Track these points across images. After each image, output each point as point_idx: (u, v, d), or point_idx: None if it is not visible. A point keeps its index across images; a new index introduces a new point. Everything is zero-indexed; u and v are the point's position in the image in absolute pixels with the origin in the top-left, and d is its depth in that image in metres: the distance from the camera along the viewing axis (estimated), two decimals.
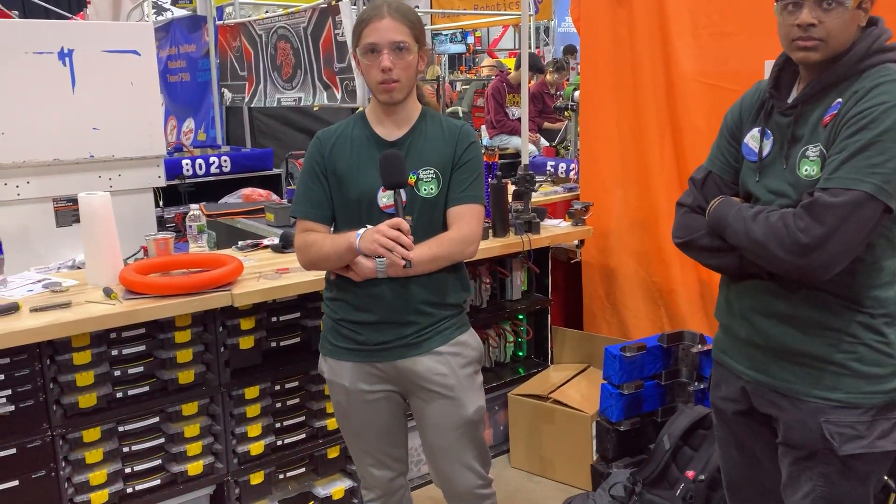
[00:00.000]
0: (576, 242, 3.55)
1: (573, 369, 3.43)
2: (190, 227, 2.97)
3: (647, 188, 3.40)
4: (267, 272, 2.58)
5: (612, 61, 3.49)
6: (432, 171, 1.94)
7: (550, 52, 10.44)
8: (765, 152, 1.67)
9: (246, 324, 2.56)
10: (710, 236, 1.70)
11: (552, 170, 4.70)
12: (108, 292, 2.35)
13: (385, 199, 1.92)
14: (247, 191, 4.26)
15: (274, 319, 2.65)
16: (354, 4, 3.99)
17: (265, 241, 3.05)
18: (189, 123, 6.53)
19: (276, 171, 5.02)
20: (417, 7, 8.86)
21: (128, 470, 2.44)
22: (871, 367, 1.58)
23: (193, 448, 2.52)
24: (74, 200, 2.90)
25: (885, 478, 2.03)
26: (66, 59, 3.05)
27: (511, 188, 3.27)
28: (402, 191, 1.86)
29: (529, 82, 5.51)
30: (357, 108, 4.17)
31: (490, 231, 3.11)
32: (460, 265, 2.04)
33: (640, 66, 3.35)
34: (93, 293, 2.39)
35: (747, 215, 1.60)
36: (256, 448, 2.62)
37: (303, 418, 2.76)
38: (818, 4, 1.53)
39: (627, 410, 2.89)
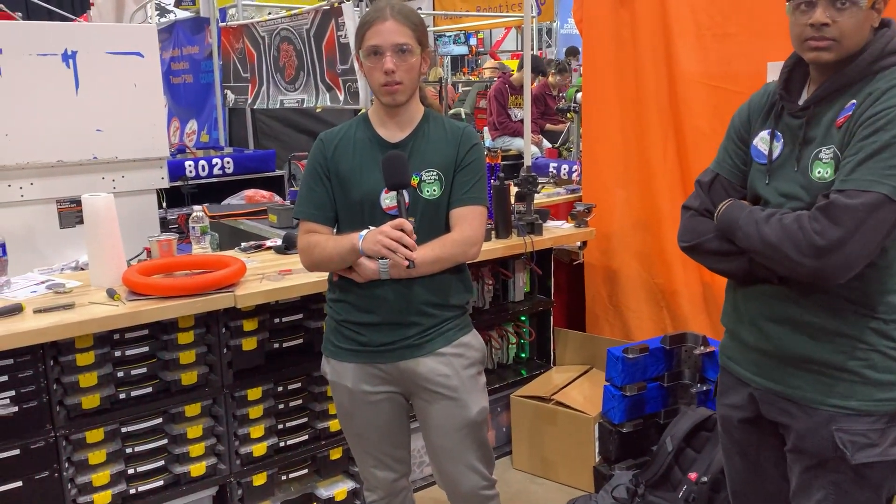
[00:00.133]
0: (578, 244, 3.55)
1: (576, 371, 3.43)
2: (193, 228, 2.97)
3: (650, 190, 3.40)
4: (270, 273, 2.59)
5: (614, 63, 3.49)
6: (435, 173, 1.95)
7: (553, 53, 10.45)
8: (775, 154, 1.64)
9: (249, 325, 2.56)
10: (719, 240, 1.67)
11: (554, 171, 4.70)
12: (111, 293, 2.35)
13: (388, 200, 1.92)
14: (249, 192, 4.27)
15: (277, 321, 2.65)
16: (357, 6, 3.99)
17: (268, 243, 3.06)
18: (192, 125, 6.55)
19: (278, 172, 5.03)
20: (420, 9, 8.87)
21: (131, 471, 2.44)
22: (883, 374, 1.55)
23: (196, 449, 2.52)
24: (78, 202, 2.92)
25: None
26: (70, 61, 3.06)
27: (514, 190, 3.28)
28: (404, 192, 1.86)
29: (532, 84, 5.51)
30: (360, 110, 4.18)
31: (493, 232, 3.11)
32: (463, 266, 2.05)
33: (643, 67, 3.35)
34: (96, 294, 2.39)
35: (759, 217, 1.57)
36: (259, 449, 2.62)
37: (305, 420, 2.76)
38: (832, 4, 1.50)
39: (630, 412, 2.89)
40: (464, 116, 7.71)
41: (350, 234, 1.89)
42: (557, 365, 3.54)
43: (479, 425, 2.04)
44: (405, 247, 1.77)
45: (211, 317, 2.49)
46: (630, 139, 3.47)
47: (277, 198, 4.33)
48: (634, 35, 3.38)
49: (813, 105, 1.59)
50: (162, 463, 2.50)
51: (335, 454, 2.82)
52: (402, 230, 1.78)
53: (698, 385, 2.90)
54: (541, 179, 4.08)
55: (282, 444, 2.69)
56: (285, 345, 2.69)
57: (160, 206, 3.47)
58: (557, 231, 3.34)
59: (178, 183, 4.13)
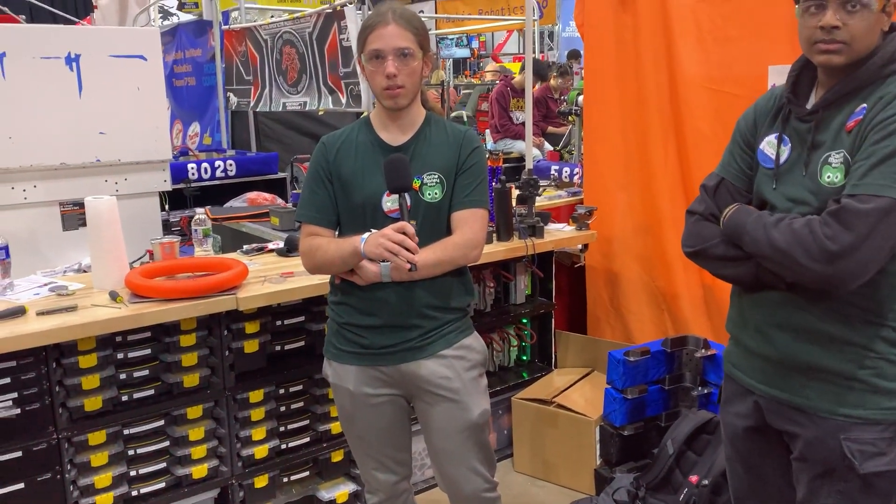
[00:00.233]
0: (580, 247, 3.55)
1: (577, 374, 3.43)
2: (195, 230, 2.99)
3: (651, 192, 3.40)
4: (272, 276, 2.60)
5: (615, 66, 3.50)
6: (436, 176, 1.95)
7: (555, 56, 10.44)
8: (782, 159, 1.62)
9: (251, 327, 2.57)
10: (725, 245, 1.65)
11: (556, 174, 4.70)
12: (113, 296, 2.36)
13: (389, 203, 1.93)
14: (252, 195, 4.27)
15: (278, 323, 2.66)
16: (359, 9, 4.00)
17: (270, 245, 3.06)
18: (195, 127, 6.56)
19: (281, 174, 5.03)
20: (422, 12, 8.89)
21: (133, 473, 2.45)
22: (893, 382, 1.53)
23: (198, 451, 2.53)
24: (81, 204, 2.92)
25: None
26: (74, 64, 3.07)
27: (515, 192, 3.28)
28: (406, 195, 1.87)
29: (534, 87, 5.52)
30: (362, 113, 4.19)
31: (494, 235, 3.12)
32: (464, 269, 2.05)
33: (644, 70, 3.36)
34: (99, 297, 2.40)
35: (768, 222, 1.54)
36: (261, 451, 2.63)
37: (307, 422, 2.76)
38: (842, 6, 1.48)
39: (631, 415, 2.89)
40: (465, 119, 7.72)
41: (352, 237, 1.90)
42: (559, 368, 3.54)
43: (481, 427, 2.04)
44: (407, 250, 1.77)
45: (213, 319, 2.49)
46: (631, 142, 3.48)
47: (280, 200, 4.33)
48: (636, 38, 3.38)
49: (822, 109, 1.57)
50: (164, 465, 2.51)
51: (336, 456, 2.82)
52: (403, 233, 1.79)
53: (699, 388, 2.90)
54: (542, 182, 4.09)
55: (283, 446, 2.70)
56: (287, 347, 2.70)
57: (162, 209, 3.48)
58: (559, 234, 3.34)
59: (181, 185, 4.14)
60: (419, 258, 1.80)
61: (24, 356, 2.18)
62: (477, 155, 2.01)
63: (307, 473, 2.82)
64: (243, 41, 5.34)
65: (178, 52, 6.69)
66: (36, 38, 3.00)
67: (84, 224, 2.72)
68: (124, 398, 2.41)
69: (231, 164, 4.85)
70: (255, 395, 2.61)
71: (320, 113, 4.94)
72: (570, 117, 5.24)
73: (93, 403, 2.34)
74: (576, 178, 4.40)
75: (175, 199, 3.88)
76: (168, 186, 3.40)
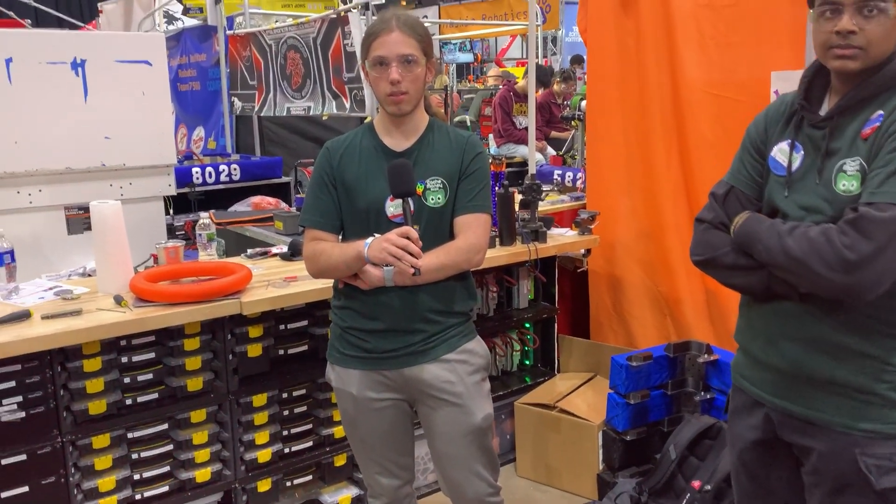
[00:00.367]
0: (582, 251, 3.55)
1: (579, 378, 3.43)
2: (200, 235, 3.00)
3: (654, 197, 3.41)
4: (275, 280, 2.61)
5: (618, 71, 3.51)
6: (440, 181, 1.96)
7: (558, 61, 10.47)
8: (794, 166, 1.58)
9: (254, 332, 2.58)
10: (736, 254, 1.61)
11: (559, 179, 4.71)
12: (118, 300, 2.37)
13: (392, 208, 1.94)
14: (256, 199, 4.29)
15: (282, 327, 2.67)
16: (363, 15, 4.02)
17: (274, 250, 3.07)
18: (199, 132, 6.58)
19: (285, 179, 5.04)
20: (426, 17, 8.92)
21: (136, 477, 2.45)
22: None
23: (201, 455, 2.54)
24: (86, 208, 2.93)
25: None
26: (79, 69, 3.09)
27: (518, 197, 3.29)
28: (410, 200, 1.88)
29: (536, 93, 5.53)
30: (365, 117, 4.20)
31: (497, 240, 3.12)
32: (467, 274, 2.06)
33: (647, 76, 3.37)
34: (103, 301, 2.41)
35: (782, 230, 1.50)
36: (264, 455, 2.63)
37: (310, 426, 2.77)
38: (859, 11, 1.45)
39: (634, 420, 2.89)
40: (468, 124, 7.73)
41: (355, 241, 1.91)
42: (561, 372, 3.54)
43: (484, 432, 2.05)
44: (410, 254, 1.78)
45: (217, 323, 2.50)
46: (634, 147, 3.48)
47: (283, 204, 4.35)
48: (638, 44, 3.39)
49: (836, 115, 1.53)
50: (167, 468, 2.52)
51: (339, 461, 2.83)
52: (407, 238, 1.80)
53: (702, 393, 2.90)
54: (545, 187, 4.09)
55: (286, 450, 2.70)
56: (290, 351, 2.71)
57: (167, 213, 3.49)
58: (561, 238, 3.35)
59: (185, 189, 4.15)
60: (422, 262, 1.80)
61: (29, 360, 2.20)
62: (480, 160, 2.02)
63: (310, 477, 2.82)
64: (248, 46, 5.36)
65: (183, 56, 6.72)
66: (42, 43, 3.02)
67: (89, 228, 2.73)
68: (128, 402, 2.42)
69: (235, 169, 4.86)
70: (259, 399, 2.62)
71: (324, 118, 4.95)
72: (573, 122, 5.25)
73: (97, 407, 2.35)
74: (579, 182, 4.40)
75: (179, 204, 3.89)
76: (173, 191, 3.41)
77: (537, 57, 7.69)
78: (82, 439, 2.34)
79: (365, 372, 2.01)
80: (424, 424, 2.08)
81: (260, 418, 2.63)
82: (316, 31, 4.45)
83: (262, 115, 5.51)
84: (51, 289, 2.55)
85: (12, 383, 2.18)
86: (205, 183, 4.61)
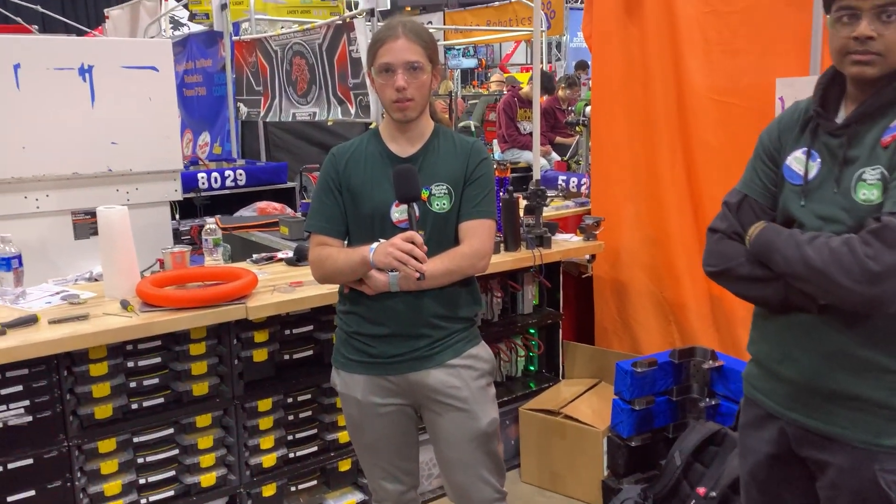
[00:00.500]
0: (587, 257, 3.55)
1: (584, 384, 3.43)
2: (206, 240, 3.00)
3: (659, 203, 3.41)
4: (281, 285, 2.61)
5: (623, 77, 3.52)
6: (444, 187, 1.97)
7: (562, 67, 10.48)
8: (811, 175, 1.54)
9: (260, 336, 2.59)
10: (751, 264, 1.57)
11: (563, 184, 4.71)
12: (124, 305, 2.38)
13: (398, 213, 1.95)
14: (261, 204, 4.30)
15: (287, 332, 2.67)
16: (369, 21, 4.03)
17: (279, 255, 3.08)
18: (205, 137, 6.60)
19: (290, 184, 5.06)
20: (430, 23, 8.94)
21: (142, 481, 2.46)
22: None
23: (207, 460, 2.54)
24: (92, 213, 2.95)
25: None
26: (86, 75, 3.11)
27: (523, 203, 3.29)
28: (415, 205, 1.89)
29: (541, 99, 5.54)
30: (370, 123, 4.22)
31: (502, 245, 3.13)
32: (472, 279, 2.06)
33: (652, 82, 3.37)
34: (110, 305, 2.42)
35: (801, 240, 1.47)
36: (269, 460, 2.64)
37: (315, 431, 2.77)
38: (877, 16, 1.41)
39: (638, 426, 2.89)
40: (473, 129, 7.75)
41: (361, 246, 1.91)
42: (566, 378, 3.54)
43: (490, 436, 2.05)
44: (416, 259, 1.79)
45: (222, 328, 2.51)
46: (639, 153, 3.49)
47: (289, 210, 4.36)
48: (643, 50, 3.40)
49: (854, 123, 1.50)
50: (173, 473, 2.52)
51: (344, 466, 2.83)
52: (412, 243, 1.80)
53: (707, 399, 2.89)
54: (550, 192, 4.10)
55: (291, 455, 2.71)
56: (296, 356, 2.71)
57: (173, 218, 3.51)
58: (566, 244, 3.35)
59: (191, 195, 4.17)
60: (427, 268, 1.81)
61: (36, 364, 2.20)
62: (485, 166, 2.02)
63: (315, 482, 2.82)
64: (254, 52, 5.39)
65: (189, 62, 6.75)
66: (50, 49, 3.04)
67: (95, 233, 2.75)
68: (134, 406, 2.43)
69: (241, 174, 4.88)
70: (264, 404, 2.62)
71: (329, 123, 4.97)
72: (577, 128, 5.26)
73: (103, 411, 2.35)
74: (583, 188, 4.41)
75: (185, 209, 3.91)
76: (179, 196, 3.42)
77: (542, 62, 7.70)
78: (88, 443, 2.35)
79: (370, 377, 2.02)
80: (430, 430, 2.09)
81: (265, 423, 2.63)
82: (321, 38, 4.47)
83: (267, 120, 5.53)
84: (58, 293, 2.56)
85: (19, 387, 2.19)
86: (210, 188, 4.63)
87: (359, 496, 2.84)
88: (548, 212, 3.67)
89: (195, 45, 6.69)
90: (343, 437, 2.75)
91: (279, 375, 2.67)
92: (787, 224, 1.58)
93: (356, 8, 4.31)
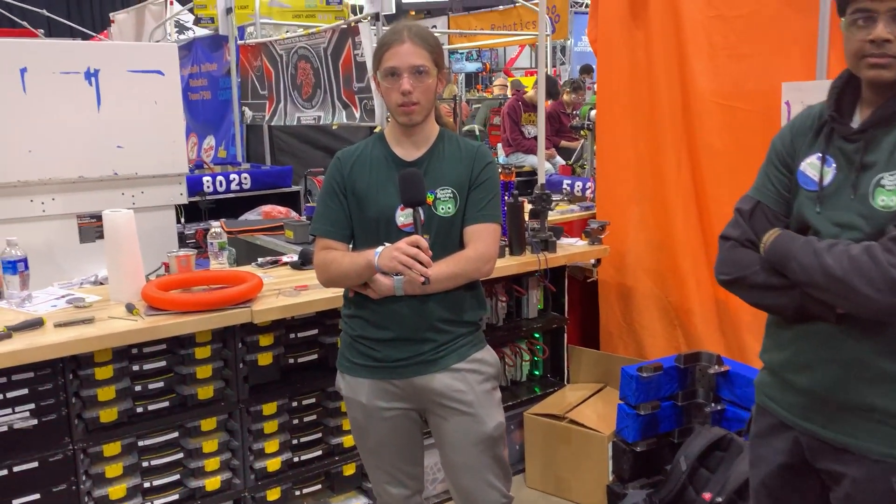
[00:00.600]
0: (592, 261, 3.55)
1: (589, 389, 3.42)
2: (211, 244, 3.01)
3: (664, 208, 3.41)
4: (286, 289, 2.61)
5: (628, 81, 3.51)
6: (450, 191, 1.97)
7: (567, 71, 10.49)
8: (826, 181, 1.51)
9: (265, 340, 2.59)
10: (766, 272, 1.53)
11: (568, 188, 4.71)
12: (130, 308, 2.39)
13: (403, 217, 1.95)
14: (266, 208, 4.31)
15: (292, 336, 2.67)
16: (373, 26, 4.05)
17: (284, 258, 3.08)
18: (210, 141, 6.62)
19: (295, 188, 5.07)
20: (434, 27, 8.96)
21: (147, 485, 2.46)
22: None
23: (211, 463, 2.54)
24: (98, 217, 2.95)
25: None
26: (93, 79, 3.11)
27: (527, 207, 3.29)
28: (420, 209, 1.89)
29: (546, 103, 5.54)
30: (375, 127, 4.23)
31: (506, 249, 3.12)
32: (477, 283, 2.06)
33: (657, 85, 3.37)
34: (115, 309, 2.43)
35: (819, 248, 1.43)
36: (273, 464, 2.63)
37: (319, 435, 2.77)
38: (894, 18, 1.39)
39: (644, 431, 2.88)
40: (478, 133, 7.76)
41: (366, 250, 1.91)
42: (571, 383, 3.53)
43: (496, 440, 2.04)
44: (420, 263, 1.79)
45: (228, 332, 2.51)
46: (644, 157, 3.49)
47: (294, 213, 4.36)
48: (649, 54, 3.40)
49: (871, 127, 1.46)
50: (177, 477, 2.52)
51: (349, 470, 2.83)
52: (417, 247, 1.80)
53: (712, 404, 2.88)
54: (554, 196, 4.10)
55: (296, 459, 2.70)
56: (300, 360, 2.71)
57: (178, 222, 3.51)
58: (571, 248, 3.34)
59: (196, 198, 4.17)
60: (432, 272, 1.81)
61: (42, 368, 2.21)
62: (490, 170, 2.02)
63: (319, 487, 2.82)
64: (259, 56, 5.40)
65: (194, 66, 6.77)
66: (56, 53, 3.05)
67: (101, 236, 2.75)
68: (139, 410, 2.43)
69: (246, 178, 4.88)
70: (269, 408, 2.62)
71: (334, 127, 4.98)
72: (582, 132, 5.26)
73: (108, 415, 2.36)
74: (588, 192, 4.40)
75: (190, 212, 3.92)
76: (184, 199, 3.43)
77: (546, 66, 7.71)
78: (93, 447, 2.35)
79: (374, 381, 2.01)
80: (435, 434, 2.08)
81: (270, 427, 2.63)
82: (326, 42, 4.48)
83: (272, 124, 5.55)
84: (63, 297, 2.57)
85: (25, 391, 2.20)
86: (215, 192, 4.63)
87: (363, 500, 2.83)
88: (553, 216, 3.67)
89: (200, 49, 6.71)
90: (348, 441, 2.75)
91: (284, 379, 2.67)
92: (801, 231, 1.55)
93: (361, 12, 4.32)
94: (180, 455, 2.52)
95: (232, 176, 4.81)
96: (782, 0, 2.88)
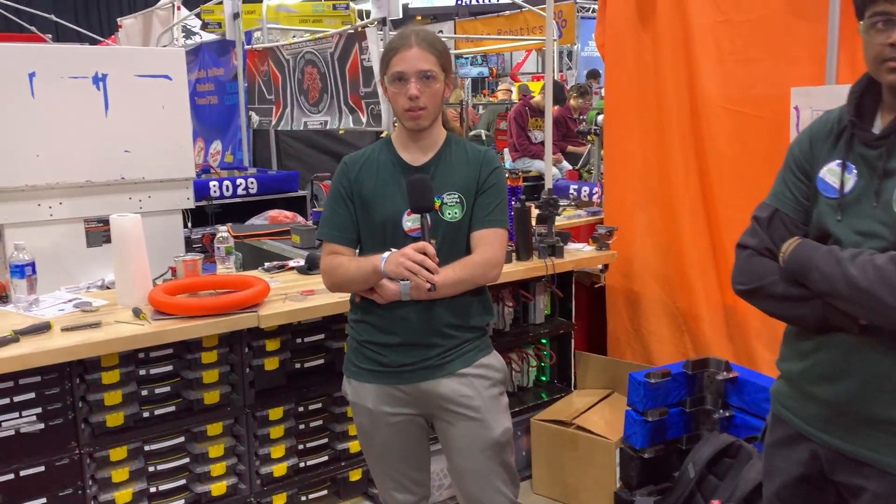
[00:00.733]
0: (600, 267, 3.54)
1: (597, 395, 3.40)
2: (218, 248, 3.01)
3: (672, 213, 3.39)
4: (292, 294, 2.61)
5: (636, 86, 3.50)
6: (456, 196, 1.97)
7: (573, 76, 10.49)
8: (847, 188, 1.47)
9: (271, 345, 2.58)
10: (786, 282, 1.49)
11: (575, 193, 4.70)
12: (136, 312, 2.39)
13: (409, 222, 1.94)
14: (273, 212, 4.31)
15: (299, 341, 2.67)
16: (381, 31, 4.05)
17: (291, 263, 3.08)
18: (216, 145, 6.64)
19: (301, 192, 5.08)
20: (441, 32, 8.97)
21: (153, 489, 2.46)
22: None
23: (217, 468, 2.54)
24: (105, 221, 2.96)
25: None
26: (100, 84, 3.12)
27: (535, 212, 3.28)
28: (427, 215, 1.88)
29: (553, 108, 5.54)
30: (382, 132, 4.23)
31: (513, 254, 3.12)
32: (483, 288, 2.06)
33: (665, 90, 3.36)
34: (122, 313, 2.43)
35: (842, 257, 1.40)
36: (279, 469, 2.63)
37: (326, 440, 2.76)
38: None
39: (651, 437, 2.86)
40: (484, 138, 7.76)
41: (372, 255, 1.91)
42: (578, 389, 3.51)
43: (503, 446, 2.03)
44: (427, 269, 1.78)
45: (234, 336, 2.51)
46: (651, 162, 3.47)
47: (300, 218, 4.37)
48: (656, 59, 3.39)
49: (893, 133, 1.43)
50: (183, 482, 2.52)
51: (355, 475, 2.82)
52: (424, 253, 1.80)
53: (721, 411, 2.86)
54: (562, 201, 4.09)
55: (302, 464, 2.70)
56: (307, 365, 2.71)
57: (185, 226, 3.52)
58: (578, 253, 3.33)
59: (202, 203, 4.18)
60: (439, 277, 1.80)
61: (49, 372, 2.21)
62: (497, 175, 2.02)
63: (325, 492, 2.81)
64: (265, 61, 5.41)
65: (201, 70, 6.80)
66: (64, 57, 3.06)
67: (108, 241, 2.76)
68: (146, 414, 2.42)
69: (252, 182, 4.90)
70: (275, 413, 2.62)
71: (341, 132, 4.99)
72: (589, 137, 5.25)
73: (115, 419, 2.35)
74: (595, 197, 4.40)
75: (196, 217, 3.92)
76: (191, 204, 3.43)
77: (553, 71, 7.71)
78: (100, 451, 2.35)
79: (381, 386, 2.01)
80: (442, 439, 2.07)
81: (276, 432, 2.63)
82: (333, 46, 4.49)
83: (279, 129, 5.55)
84: (70, 301, 2.57)
85: (32, 395, 2.20)
86: (222, 196, 4.65)
87: None
88: (560, 221, 3.66)
89: (207, 53, 6.74)
90: (354, 446, 2.74)
91: (290, 384, 2.66)
92: (822, 240, 1.51)
93: (368, 17, 4.32)
94: (186, 460, 2.52)
95: (238, 180, 4.82)
96: (791, 5, 2.87)
